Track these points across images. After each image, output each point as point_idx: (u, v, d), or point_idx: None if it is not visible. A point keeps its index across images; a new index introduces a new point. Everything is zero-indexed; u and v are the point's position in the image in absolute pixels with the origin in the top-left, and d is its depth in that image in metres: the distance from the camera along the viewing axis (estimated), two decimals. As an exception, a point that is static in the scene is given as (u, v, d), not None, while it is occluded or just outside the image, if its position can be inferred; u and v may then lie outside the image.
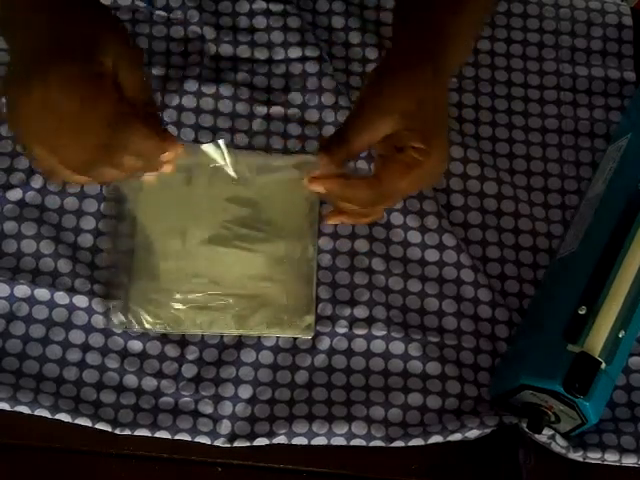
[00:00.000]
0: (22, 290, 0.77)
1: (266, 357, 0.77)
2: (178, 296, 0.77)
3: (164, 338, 0.77)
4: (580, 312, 0.73)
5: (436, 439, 0.76)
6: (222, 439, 0.75)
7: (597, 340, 0.72)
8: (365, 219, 0.73)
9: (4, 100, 0.61)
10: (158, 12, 0.88)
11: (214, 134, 0.84)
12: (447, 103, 0.72)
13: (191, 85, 0.85)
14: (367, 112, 0.67)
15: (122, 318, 0.77)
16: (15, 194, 0.80)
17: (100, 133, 0.60)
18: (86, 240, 0.79)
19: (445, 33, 0.70)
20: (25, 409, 0.74)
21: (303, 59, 0.87)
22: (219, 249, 0.79)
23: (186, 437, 0.75)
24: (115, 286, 0.78)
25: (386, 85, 0.68)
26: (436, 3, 0.72)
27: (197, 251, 0.79)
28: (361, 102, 0.68)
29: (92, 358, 0.76)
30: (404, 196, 0.75)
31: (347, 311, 0.79)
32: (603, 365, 0.72)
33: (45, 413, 0.74)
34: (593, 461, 0.77)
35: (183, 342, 0.77)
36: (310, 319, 0.78)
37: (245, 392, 0.76)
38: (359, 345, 0.79)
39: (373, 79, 0.70)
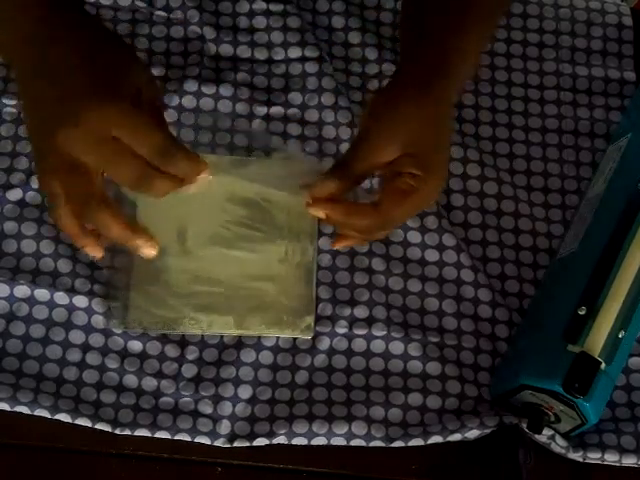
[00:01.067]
0: (22, 290, 0.77)
1: (266, 357, 0.77)
2: (178, 296, 0.77)
3: (164, 338, 0.77)
4: (580, 312, 0.73)
5: (436, 439, 0.76)
6: (222, 439, 0.75)
7: (597, 340, 0.72)
8: (366, 241, 0.76)
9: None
10: (158, 12, 0.88)
11: (214, 134, 0.84)
12: (451, 125, 0.72)
13: (191, 85, 0.85)
14: (371, 139, 0.68)
15: (122, 318, 0.77)
16: (15, 194, 0.80)
17: (152, 157, 0.63)
18: (86, 240, 0.79)
19: (450, 54, 0.70)
20: (25, 409, 0.74)
21: (303, 59, 0.87)
22: (219, 249, 0.79)
23: (186, 437, 0.75)
24: (115, 286, 0.78)
25: (389, 112, 0.68)
26: (441, 23, 0.72)
27: (197, 251, 0.79)
28: (365, 128, 0.69)
29: (92, 358, 0.76)
30: (403, 221, 0.77)
31: (347, 311, 0.79)
32: (603, 365, 0.72)
33: (45, 413, 0.74)
34: (593, 461, 0.77)
35: (183, 342, 0.77)
36: (310, 319, 0.78)
37: (245, 392, 0.76)
38: (359, 345, 0.79)
39: (377, 104, 0.70)
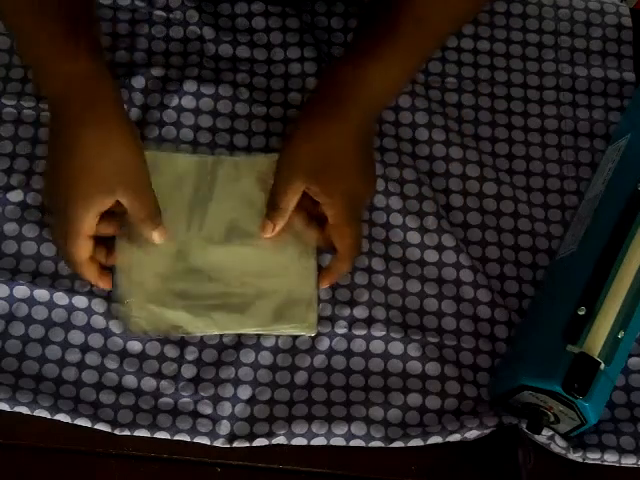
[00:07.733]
0: (21, 291, 0.77)
1: (265, 358, 0.77)
2: (179, 295, 0.77)
3: (163, 339, 0.77)
4: (579, 313, 0.73)
5: (435, 440, 0.76)
6: (221, 440, 0.75)
7: (596, 341, 0.72)
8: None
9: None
10: (157, 12, 0.88)
11: (213, 135, 0.84)
12: (361, 150, 0.78)
13: (190, 86, 0.85)
14: (282, 172, 0.77)
15: (123, 324, 0.77)
16: (16, 195, 0.80)
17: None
18: (86, 241, 0.79)
19: (362, 80, 0.76)
20: (25, 409, 0.74)
21: (302, 59, 0.87)
22: (221, 247, 0.79)
23: (185, 438, 0.75)
24: (114, 287, 0.78)
25: (295, 142, 0.77)
26: (364, 49, 0.77)
27: (199, 250, 0.79)
28: (279, 161, 0.78)
29: (91, 359, 0.76)
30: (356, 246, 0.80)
31: (347, 311, 0.79)
32: (602, 366, 0.72)
33: (44, 414, 0.74)
34: (592, 461, 0.77)
35: (182, 342, 0.77)
36: (312, 317, 0.78)
37: (244, 393, 0.76)
38: (358, 345, 0.79)
39: (289, 134, 0.78)
